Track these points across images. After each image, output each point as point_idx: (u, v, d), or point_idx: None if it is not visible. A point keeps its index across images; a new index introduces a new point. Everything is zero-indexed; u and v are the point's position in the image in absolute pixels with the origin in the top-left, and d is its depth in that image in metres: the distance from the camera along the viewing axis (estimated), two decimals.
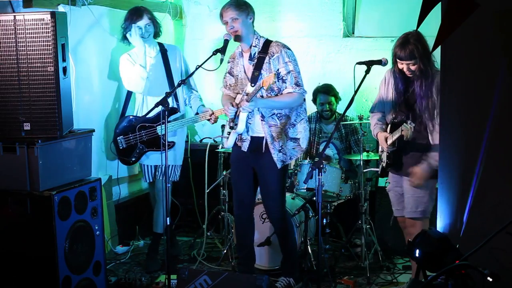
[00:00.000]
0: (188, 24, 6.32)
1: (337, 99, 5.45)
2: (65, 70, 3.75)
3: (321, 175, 3.56)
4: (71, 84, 4.10)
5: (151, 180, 4.92)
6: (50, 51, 3.63)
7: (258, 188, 4.42)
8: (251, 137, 4.26)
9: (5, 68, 3.67)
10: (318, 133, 5.44)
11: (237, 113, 4.19)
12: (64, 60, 3.72)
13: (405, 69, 3.90)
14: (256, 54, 4.18)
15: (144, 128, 4.76)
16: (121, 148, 4.81)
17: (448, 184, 3.23)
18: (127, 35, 4.73)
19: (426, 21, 2.42)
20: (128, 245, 5.31)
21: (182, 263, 5.01)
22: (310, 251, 4.62)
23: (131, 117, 4.84)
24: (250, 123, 4.23)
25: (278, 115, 4.19)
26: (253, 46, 4.20)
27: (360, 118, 4.91)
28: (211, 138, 6.03)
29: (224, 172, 5.09)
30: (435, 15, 2.55)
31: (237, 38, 4.19)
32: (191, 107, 4.97)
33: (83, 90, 4.90)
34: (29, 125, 3.70)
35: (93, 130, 4.18)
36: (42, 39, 3.62)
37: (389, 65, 4.08)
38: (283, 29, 5.85)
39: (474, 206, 3.06)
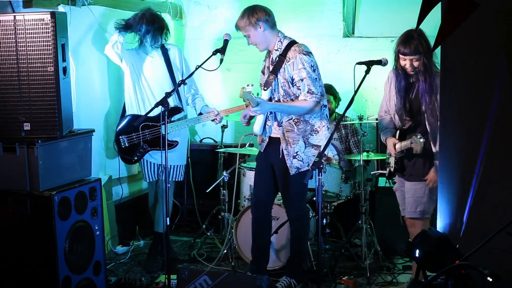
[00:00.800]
0: (188, 24, 6.32)
1: (336, 98, 5.44)
2: (65, 70, 3.75)
3: (321, 175, 3.56)
4: (71, 84, 4.10)
5: (153, 180, 4.92)
6: (50, 51, 3.63)
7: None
8: (269, 137, 4.27)
9: (5, 68, 3.67)
10: None
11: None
12: (64, 60, 3.72)
13: (407, 66, 3.89)
14: (277, 57, 4.17)
15: (147, 127, 4.75)
16: (123, 147, 4.80)
17: (448, 184, 3.23)
18: (143, 39, 4.76)
19: (426, 21, 2.42)
20: (128, 245, 5.31)
21: (182, 263, 5.01)
22: (310, 251, 4.62)
23: (133, 116, 4.83)
24: (268, 125, 4.24)
25: (295, 120, 4.16)
26: (275, 50, 4.20)
27: (360, 118, 4.91)
28: (211, 138, 6.05)
29: (224, 172, 5.09)
30: (435, 15, 2.55)
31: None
32: (194, 107, 4.97)
33: (83, 90, 4.90)
34: (29, 125, 3.70)
35: (93, 130, 4.18)
36: (42, 39, 3.62)
37: (391, 66, 4.08)
38: (283, 29, 5.82)
39: (474, 206, 3.06)
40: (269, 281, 3.91)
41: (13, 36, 3.63)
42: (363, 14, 5.96)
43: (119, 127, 4.80)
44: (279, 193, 4.47)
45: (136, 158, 4.80)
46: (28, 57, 3.65)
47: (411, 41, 3.83)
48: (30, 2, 4.10)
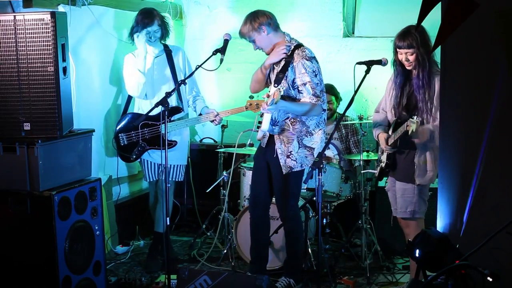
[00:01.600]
0: (188, 24, 6.32)
1: (338, 99, 5.45)
2: (65, 70, 3.74)
3: (321, 175, 3.56)
4: (71, 84, 4.10)
5: (153, 179, 4.92)
6: (50, 51, 3.63)
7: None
8: (270, 134, 4.28)
9: (5, 68, 3.67)
10: None
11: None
12: (64, 60, 3.72)
13: (403, 59, 3.90)
14: (283, 59, 4.18)
15: (147, 126, 4.75)
16: (122, 144, 4.81)
17: (448, 184, 3.23)
18: (134, 36, 4.73)
19: (426, 21, 2.42)
20: (128, 245, 5.31)
21: (182, 263, 5.01)
22: (310, 251, 4.62)
23: (134, 114, 4.84)
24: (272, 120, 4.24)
25: (292, 120, 4.17)
26: None
27: (360, 118, 4.91)
28: (211, 138, 6.05)
29: (224, 172, 5.09)
30: (435, 15, 2.55)
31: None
32: (194, 108, 4.97)
33: (83, 90, 4.90)
34: (29, 125, 3.70)
35: (93, 130, 4.18)
36: (42, 39, 3.62)
37: (391, 63, 4.09)
38: (283, 29, 5.84)
39: (474, 206, 3.06)
40: (269, 281, 3.91)
41: (13, 36, 3.63)
42: (363, 14, 5.96)
43: (119, 125, 4.81)
44: None
45: (134, 157, 4.80)
46: (28, 57, 3.64)
47: (406, 35, 3.86)
48: (30, 2, 4.10)
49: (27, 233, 3.73)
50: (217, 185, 5.21)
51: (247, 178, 5.01)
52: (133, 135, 4.77)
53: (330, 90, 5.34)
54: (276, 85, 4.12)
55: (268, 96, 4.05)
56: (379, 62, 3.93)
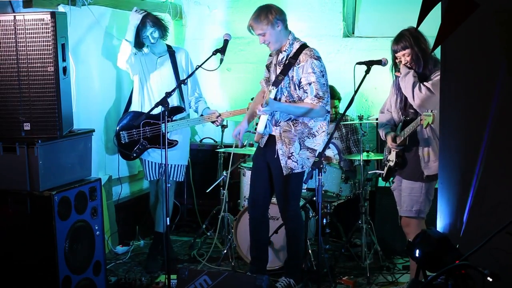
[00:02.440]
0: (188, 24, 6.33)
1: (339, 100, 5.46)
2: (65, 70, 3.75)
3: (321, 175, 3.56)
4: (71, 84, 4.10)
5: (154, 178, 4.92)
6: (50, 51, 3.63)
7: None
8: (269, 134, 4.27)
9: (5, 68, 3.67)
10: None
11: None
12: (64, 60, 3.72)
13: (403, 61, 3.93)
14: (285, 58, 4.16)
15: (148, 125, 4.76)
16: (123, 142, 4.81)
17: (448, 184, 3.23)
18: (142, 42, 4.77)
19: (426, 21, 2.42)
20: (128, 245, 5.31)
21: (182, 263, 5.01)
22: (310, 251, 4.62)
23: (136, 112, 4.84)
24: (269, 119, 4.23)
25: (294, 121, 4.16)
26: (284, 51, 4.18)
27: (360, 118, 4.91)
28: (211, 138, 6.05)
29: (224, 172, 5.09)
30: (435, 15, 2.55)
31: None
32: (196, 110, 4.97)
33: (83, 90, 4.90)
34: (29, 125, 3.70)
35: (93, 130, 4.18)
36: (42, 39, 3.62)
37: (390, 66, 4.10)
38: None
39: (474, 206, 3.06)
40: (269, 281, 3.91)
41: (13, 36, 3.63)
42: (363, 14, 5.97)
43: (121, 122, 4.82)
44: None
45: (135, 155, 4.81)
46: (28, 57, 3.64)
47: (400, 38, 3.91)
48: (30, 2, 4.10)
49: (27, 233, 3.73)
50: (217, 185, 5.21)
51: (247, 178, 5.01)
52: (134, 133, 4.77)
53: (334, 94, 5.33)
54: (274, 87, 4.12)
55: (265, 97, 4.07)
56: (379, 62, 3.93)
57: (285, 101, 4.16)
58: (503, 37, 2.88)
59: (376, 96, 5.73)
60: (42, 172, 3.69)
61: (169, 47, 4.91)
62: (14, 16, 3.63)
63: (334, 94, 5.33)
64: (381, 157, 4.81)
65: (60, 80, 3.68)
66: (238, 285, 3.84)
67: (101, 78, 5.22)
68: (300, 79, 4.09)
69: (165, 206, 3.95)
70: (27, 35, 3.62)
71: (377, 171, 4.99)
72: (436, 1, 2.36)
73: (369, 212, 4.91)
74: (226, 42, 4.26)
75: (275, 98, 4.16)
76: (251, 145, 5.15)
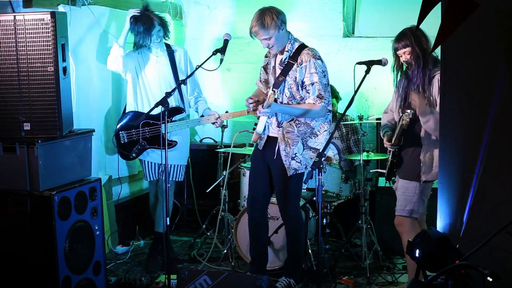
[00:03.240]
0: (188, 24, 6.33)
1: (338, 99, 5.45)
2: (65, 70, 3.75)
3: (321, 175, 3.56)
4: (71, 84, 4.10)
5: (154, 179, 4.92)
6: (50, 51, 3.63)
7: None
8: (268, 136, 4.27)
9: (5, 68, 3.67)
10: None
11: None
12: (64, 60, 3.72)
13: (404, 60, 3.93)
14: (287, 59, 4.15)
15: (148, 125, 4.76)
16: (122, 142, 4.81)
17: (448, 184, 3.23)
18: (146, 44, 4.75)
19: (426, 21, 2.42)
20: (128, 245, 5.31)
21: (182, 263, 5.01)
22: (310, 251, 4.62)
23: (135, 112, 4.84)
24: (268, 122, 4.22)
25: (297, 122, 4.16)
26: (286, 51, 4.15)
27: (360, 118, 4.91)
28: (211, 138, 6.05)
29: (224, 172, 5.09)
30: (435, 15, 2.55)
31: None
32: (196, 109, 4.97)
33: (83, 90, 4.90)
34: (29, 125, 3.70)
35: (93, 130, 4.18)
36: (42, 39, 3.62)
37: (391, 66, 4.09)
38: None
39: (474, 206, 3.06)
40: (269, 281, 3.91)
41: (13, 36, 3.63)
42: (363, 14, 5.97)
43: (120, 122, 4.81)
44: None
45: (134, 155, 4.80)
46: (28, 57, 3.64)
47: (402, 36, 3.90)
48: (30, 2, 4.10)
49: (27, 233, 3.73)
50: (217, 185, 5.21)
51: (247, 178, 5.00)
52: (134, 133, 4.77)
53: (332, 93, 5.33)
54: (274, 89, 4.12)
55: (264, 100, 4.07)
56: (379, 62, 3.93)
57: (288, 102, 4.16)
58: (503, 37, 2.88)
59: (376, 96, 5.73)
60: (42, 172, 3.69)
61: (168, 46, 4.90)
62: (14, 16, 3.64)
63: (332, 93, 5.32)
64: (381, 157, 4.82)
65: (60, 80, 3.68)
66: (238, 285, 3.84)
67: (101, 78, 5.22)
68: (303, 79, 4.09)
69: (165, 206, 3.95)
70: (27, 35, 3.62)
71: (379, 170, 4.99)
72: (436, 1, 2.36)
73: (369, 212, 4.91)
74: (226, 42, 4.26)
75: (276, 100, 4.17)
76: (251, 145, 5.15)
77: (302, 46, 4.16)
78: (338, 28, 5.88)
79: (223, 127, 5.43)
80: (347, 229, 5.17)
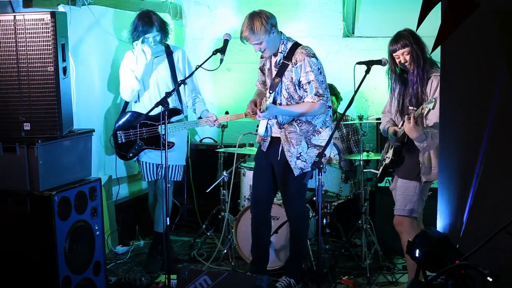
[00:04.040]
0: (188, 24, 6.32)
1: (338, 98, 5.45)
2: (65, 70, 3.75)
3: (321, 175, 3.56)
4: (71, 84, 4.10)
5: (152, 179, 4.92)
6: (50, 51, 3.63)
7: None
8: (271, 137, 4.27)
9: (5, 68, 3.67)
10: None
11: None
12: (64, 60, 3.72)
13: (402, 61, 3.92)
14: (281, 60, 4.14)
15: (145, 126, 4.75)
16: (120, 142, 4.81)
17: (448, 184, 3.23)
18: (134, 44, 4.73)
19: (426, 21, 2.42)
20: (128, 245, 5.31)
21: (182, 263, 5.01)
22: (310, 251, 4.62)
23: (134, 113, 4.84)
24: (269, 124, 4.23)
25: (298, 121, 4.16)
26: (279, 53, 4.15)
27: (360, 118, 4.91)
28: (211, 138, 6.05)
29: (224, 172, 5.09)
30: (435, 15, 2.55)
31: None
32: (194, 110, 4.96)
33: (83, 90, 4.90)
34: (29, 125, 3.70)
35: (93, 130, 4.19)
36: (42, 39, 3.62)
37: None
38: (283, 29, 5.84)
39: (474, 206, 3.06)
40: (269, 281, 3.91)
41: (13, 36, 3.63)
42: (363, 14, 5.97)
43: (119, 122, 4.81)
44: (278, 192, 4.47)
45: (131, 155, 4.81)
46: (28, 57, 3.64)
47: (399, 37, 3.91)
48: (30, 2, 4.10)
49: (27, 233, 3.73)
50: (217, 185, 5.21)
51: (247, 178, 5.01)
52: (131, 133, 4.77)
53: (330, 90, 5.33)
54: (271, 91, 4.12)
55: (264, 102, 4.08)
56: (379, 62, 3.93)
57: (286, 103, 4.16)
58: (503, 37, 2.88)
59: (376, 96, 5.73)
60: (42, 172, 3.69)
61: (166, 46, 4.89)
62: (14, 16, 3.64)
63: (331, 91, 5.32)
64: (381, 157, 4.81)
65: (60, 80, 3.68)
66: (238, 285, 3.84)
67: (101, 78, 5.22)
68: (300, 79, 4.09)
69: (165, 206, 3.95)
70: (27, 35, 3.62)
71: (372, 170, 4.99)
72: (436, 1, 2.36)
73: (369, 212, 4.91)
74: (226, 42, 4.26)
75: (275, 102, 4.16)
76: (251, 145, 5.15)
77: (296, 45, 4.16)
78: (338, 28, 5.88)
79: (223, 126, 5.43)
80: (347, 229, 5.17)
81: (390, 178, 4.33)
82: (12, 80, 3.68)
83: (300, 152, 4.16)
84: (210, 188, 5.23)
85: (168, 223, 3.96)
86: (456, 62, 3.14)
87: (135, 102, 4.89)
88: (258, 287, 3.74)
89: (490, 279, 2.45)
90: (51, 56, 3.63)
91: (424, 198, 4.02)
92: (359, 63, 3.94)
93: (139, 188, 5.82)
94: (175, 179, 4.93)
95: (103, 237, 4.13)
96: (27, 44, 3.63)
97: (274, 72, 4.20)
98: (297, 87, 4.11)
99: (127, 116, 4.82)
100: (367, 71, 3.80)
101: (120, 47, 5.25)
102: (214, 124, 4.75)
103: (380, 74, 4.21)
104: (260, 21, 4.01)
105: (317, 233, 4.19)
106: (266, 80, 4.32)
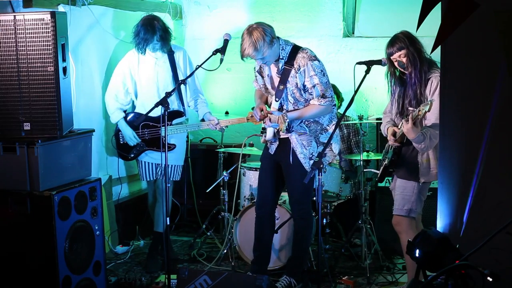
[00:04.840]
0: (188, 24, 6.32)
1: (339, 98, 5.44)
2: (65, 70, 3.75)
3: (321, 175, 3.56)
4: (71, 84, 4.10)
5: (151, 179, 4.92)
6: (50, 51, 3.63)
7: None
8: (279, 139, 4.28)
9: (5, 68, 3.68)
10: None
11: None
12: (64, 60, 3.73)
13: (399, 65, 3.92)
14: (283, 66, 4.13)
15: (147, 127, 4.76)
16: (121, 142, 4.82)
17: (448, 184, 3.23)
18: (136, 50, 4.74)
19: (426, 21, 2.42)
20: (128, 245, 5.31)
21: (182, 263, 5.01)
22: (310, 251, 4.62)
23: (135, 113, 4.84)
24: (276, 129, 4.24)
25: (306, 122, 4.20)
26: (280, 59, 4.14)
27: (360, 118, 4.91)
28: (211, 138, 6.05)
29: (224, 172, 5.09)
30: (435, 15, 2.55)
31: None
32: (197, 111, 4.96)
33: (83, 90, 4.90)
34: (29, 125, 3.71)
35: (93, 130, 4.19)
36: (42, 39, 3.62)
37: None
38: (283, 29, 5.86)
39: (474, 206, 3.06)
40: (269, 281, 3.91)
41: (13, 36, 3.63)
42: (363, 14, 5.97)
43: None
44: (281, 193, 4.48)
45: (132, 156, 4.82)
46: (28, 57, 3.65)
47: (394, 40, 3.92)
48: (30, 2, 4.10)
49: (27, 233, 3.73)
50: (217, 185, 5.21)
51: (247, 178, 5.01)
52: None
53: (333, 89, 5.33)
54: (277, 99, 4.13)
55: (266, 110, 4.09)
56: (379, 62, 3.93)
57: (293, 108, 4.17)
58: (503, 37, 2.88)
59: (376, 96, 5.73)
60: (42, 172, 3.69)
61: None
62: (14, 16, 3.64)
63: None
64: (381, 157, 4.81)
65: (60, 80, 3.69)
66: (238, 285, 3.84)
67: (101, 78, 5.21)
68: (304, 83, 4.10)
69: (165, 206, 3.95)
70: (27, 35, 3.62)
71: (373, 170, 4.99)
72: (436, 1, 2.36)
73: (369, 212, 4.91)
74: (226, 42, 4.25)
75: (281, 108, 4.17)
76: (251, 145, 5.15)
77: (295, 49, 4.15)
78: (338, 28, 5.88)
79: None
80: (347, 229, 5.17)
81: (390, 178, 4.32)
82: (12, 80, 3.68)
83: (312, 153, 4.19)
84: (210, 188, 5.23)
85: (168, 223, 3.96)
86: (456, 62, 3.14)
87: (134, 101, 4.89)
88: (258, 287, 3.74)
89: (490, 279, 2.45)
90: (51, 56, 3.63)
91: (422, 198, 4.03)
92: (359, 63, 3.94)
93: (139, 188, 5.82)
94: (174, 179, 4.93)
95: (103, 237, 4.13)
96: (27, 44, 3.63)
97: (276, 79, 4.19)
98: (302, 92, 4.13)
99: (128, 117, 4.82)
100: (367, 71, 3.80)
101: (120, 47, 5.25)
102: (216, 128, 4.75)
103: (380, 74, 4.21)
104: (261, 36, 3.97)
105: (317, 233, 4.19)
106: (267, 86, 4.31)
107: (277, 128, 4.17)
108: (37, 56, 3.64)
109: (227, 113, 5.77)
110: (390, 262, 4.89)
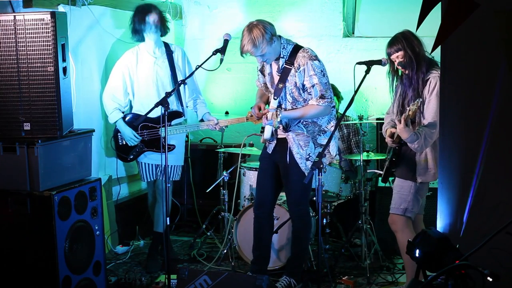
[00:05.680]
0: (188, 24, 6.33)
1: (339, 98, 5.45)
2: (65, 70, 3.75)
3: (321, 175, 3.56)
4: (71, 84, 4.10)
5: (151, 179, 4.92)
6: (50, 51, 3.63)
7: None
8: (277, 139, 4.28)
9: (5, 68, 3.67)
10: None
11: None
12: (64, 60, 3.72)
13: (398, 65, 3.93)
14: (283, 65, 4.13)
15: (146, 128, 4.76)
16: (120, 144, 4.82)
17: (448, 184, 3.23)
18: (141, 29, 4.70)
19: (426, 21, 2.42)
20: (128, 245, 5.31)
21: (182, 263, 5.01)
22: (310, 251, 4.62)
23: (134, 114, 4.84)
24: (274, 128, 4.23)
25: (304, 123, 4.18)
26: (281, 57, 4.13)
27: (360, 118, 4.91)
28: (211, 138, 6.05)
29: (224, 172, 5.09)
30: (435, 15, 2.55)
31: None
32: (196, 111, 4.96)
33: (83, 90, 4.90)
34: (29, 125, 3.70)
35: (93, 130, 4.19)
36: (42, 39, 3.62)
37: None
38: (283, 29, 5.86)
39: (474, 206, 3.06)
40: (269, 281, 3.91)
41: (13, 36, 3.63)
42: (363, 14, 5.97)
43: None
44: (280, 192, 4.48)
45: (131, 157, 4.81)
46: (28, 57, 3.64)
47: (393, 41, 3.92)
48: (30, 2, 4.10)
49: (27, 233, 3.73)
50: (217, 185, 5.21)
51: (247, 178, 5.01)
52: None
53: (332, 90, 5.33)
54: (275, 97, 4.12)
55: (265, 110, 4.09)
56: (379, 62, 3.94)
57: (292, 107, 4.17)
58: (503, 37, 2.88)
59: (376, 96, 5.73)
60: (42, 172, 3.69)
61: (166, 46, 4.89)
62: (14, 16, 3.64)
63: (333, 91, 5.33)
64: (381, 157, 4.82)
65: (60, 80, 3.69)
66: (238, 285, 3.83)
67: (101, 78, 5.21)
68: (303, 82, 4.09)
69: (165, 206, 3.95)
70: (27, 35, 3.62)
71: (376, 170, 4.99)
72: (436, 1, 2.37)
73: (369, 212, 4.91)
74: (226, 42, 4.25)
75: (280, 107, 4.17)
76: (251, 145, 5.15)
77: (296, 48, 4.14)
78: (338, 28, 5.88)
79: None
80: (347, 229, 5.17)
81: (392, 179, 4.33)
82: (12, 80, 3.68)
83: (309, 153, 4.17)
84: (210, 188, 5.23)
85: (168, 223, 3.96)
86: (456, 61, 3.15)
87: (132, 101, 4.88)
88: (258, 287, 3.74)
89: (490, 279, 2.45)
90: (51, 56, 3.63)
91: (420, 198, 4.03)
92: (359, 63, 3.94)
93: (139, 188, 5.82)
94: (174, 179, 4.93)
95: (103, 237, 4.13)
96: (27, 44, 3.63)
97: (276, 77, 4.19)
98: (301, 91, 4.12)
99: (127, 118, 4.82)
100: (367, 71, 3.80)
101: (120, 47, 5.24)
102: (216, 128, 4.75)
103: (380, 74, 4.21)
104: (260, 33, 3.97)
105: (317, 233, 4.19)
106: (268, 84, 4.31)
107: (273, 125, 4.16)
108: (37, 56, 3.64)
109: (227, 113, 5.77)
110: (390, 262, 4.89)
